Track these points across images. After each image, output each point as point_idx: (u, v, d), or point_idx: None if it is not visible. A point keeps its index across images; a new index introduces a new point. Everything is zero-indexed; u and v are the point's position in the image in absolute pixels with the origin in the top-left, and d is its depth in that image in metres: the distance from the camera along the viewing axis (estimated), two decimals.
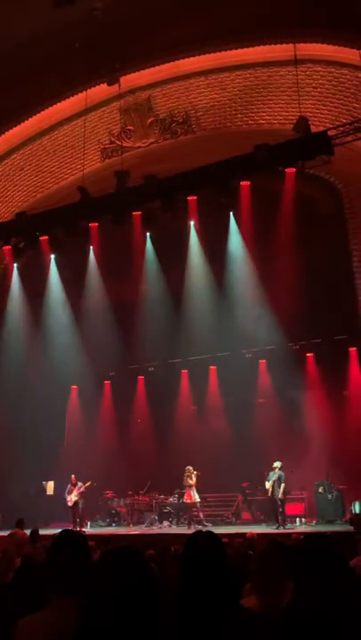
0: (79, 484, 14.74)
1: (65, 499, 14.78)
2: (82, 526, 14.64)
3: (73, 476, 14.88)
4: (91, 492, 15.52)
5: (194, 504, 14.17)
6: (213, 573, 2.05)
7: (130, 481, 16.38)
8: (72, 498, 14.56)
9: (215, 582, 2.04)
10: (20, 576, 3.67)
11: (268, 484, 13.42)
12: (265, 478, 13.71)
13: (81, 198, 12.42)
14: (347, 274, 15.07)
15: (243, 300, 15.71)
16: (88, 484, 14.83)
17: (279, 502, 13.13)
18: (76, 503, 14.56)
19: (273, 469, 13.47)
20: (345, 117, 12.63)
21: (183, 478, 14.27)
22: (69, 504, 14.61)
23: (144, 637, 1.32)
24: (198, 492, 14.33)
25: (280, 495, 13.11)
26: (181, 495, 15.32)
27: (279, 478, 13.24)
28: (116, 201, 12.43)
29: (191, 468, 14.22)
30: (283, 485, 13.18)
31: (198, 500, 14.18)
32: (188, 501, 14.12)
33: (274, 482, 13.25)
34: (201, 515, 14.42)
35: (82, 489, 14.69)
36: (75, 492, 14.58)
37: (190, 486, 14.07)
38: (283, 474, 13.32)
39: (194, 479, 14.17)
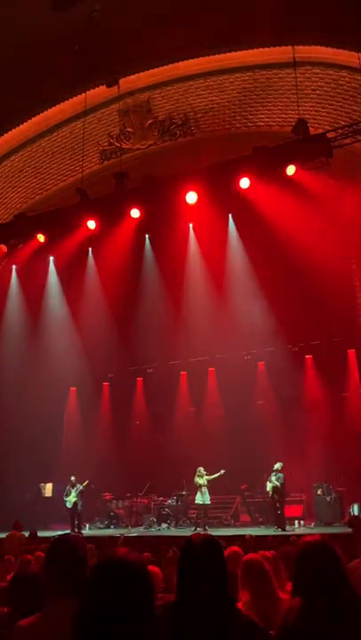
0: (78, 485, 14.68)
1: (64, 500, 14.73)
2: (80, 528, 14.59)
3: (72, 477, 14.83)
4: (89, 494, 15.49)
5: (205, 505, 13.82)
6: (211, 576, 2.05)
7: (128, 483, 16.37)
8: (71, 499, 14.50)
9: (213, 585, 2.03)
10: (19, 578, 3.67)
11: (269, 486, 13.40)
12: (265, 480, 13.63)
13: (80, 200, 12.43)
14: (345, 276, 15.09)
15: (242, 302, 15.72)
16: (86, 483, 14.77)
17: (277, 504, 13.13)
18: (75, 505, 14.51)
19: (275, 472, 13.38)
20: (344, 120, 12.66)
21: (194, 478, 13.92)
22: (68, 505, 14.55)
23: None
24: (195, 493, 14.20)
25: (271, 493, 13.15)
26: (180, 497, 15.32)
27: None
28: (115, 202, 12.44)
29: (202, 469, 13.88)
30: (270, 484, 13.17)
31: (203, 502, 13.79)
32: (200, 502, 13.74)
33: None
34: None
35: (80, 489, 14.62)
36: (73, 494, 14.51)
37: (200, 486, 13.75)
38: (279, 475, 13.28)
39: (204, 479, 13.79)
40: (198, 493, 13.75)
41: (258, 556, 3.38)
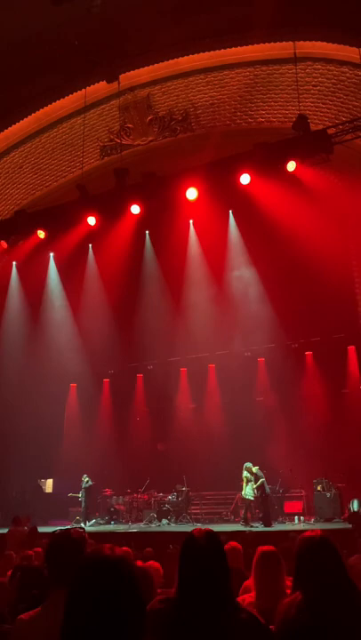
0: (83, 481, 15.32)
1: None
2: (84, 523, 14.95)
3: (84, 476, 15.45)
4: (90, 491, 15.62)
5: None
6: (211, 571, 2.05)
7: (128, 479, 16.40)
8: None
9: (213, 580, 2.04)
10: (20, 573, 3.68)
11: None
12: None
13: (80, 196, 12.41)
14: (346, 271, 15.07)
15: (242, 298, 15.72)
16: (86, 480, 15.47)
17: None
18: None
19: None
20: (344, 116, 12.62)
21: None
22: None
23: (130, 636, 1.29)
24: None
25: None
26: (180, 493, 15.34)
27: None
28: (115, 199, 12.42)
29: (250, 465, 13.71)
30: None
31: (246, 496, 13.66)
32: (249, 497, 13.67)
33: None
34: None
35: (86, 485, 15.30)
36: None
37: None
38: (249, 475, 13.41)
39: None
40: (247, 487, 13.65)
41: (274, 548, 3.35)
